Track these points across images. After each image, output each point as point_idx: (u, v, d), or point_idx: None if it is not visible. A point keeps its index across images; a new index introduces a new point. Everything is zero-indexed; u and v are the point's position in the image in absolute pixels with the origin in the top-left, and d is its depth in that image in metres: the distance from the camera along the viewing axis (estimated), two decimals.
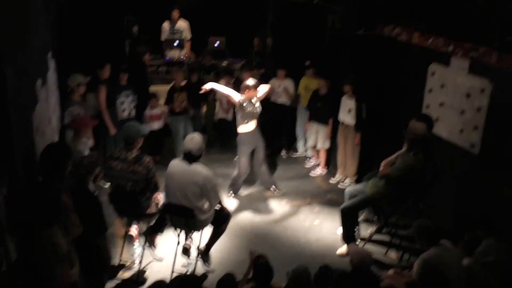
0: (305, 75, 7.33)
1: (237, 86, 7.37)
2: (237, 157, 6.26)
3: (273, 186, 6.54)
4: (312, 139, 7.22)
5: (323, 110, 6.86)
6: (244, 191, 6.56)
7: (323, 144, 7.05)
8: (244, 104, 5.91)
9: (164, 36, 8.67)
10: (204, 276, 4.72)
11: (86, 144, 4.96)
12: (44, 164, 3.42)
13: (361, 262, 3.67)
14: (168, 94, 7.15)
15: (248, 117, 6.00)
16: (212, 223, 4.70)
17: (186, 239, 4.95)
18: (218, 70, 8.13)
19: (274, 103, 7.59)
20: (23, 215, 2.91)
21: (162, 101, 7.43)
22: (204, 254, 4.81)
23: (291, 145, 7.99)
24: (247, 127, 6.04)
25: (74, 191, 3.76)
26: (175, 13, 8.55)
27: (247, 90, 5.92)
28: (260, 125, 7.80)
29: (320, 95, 6.87)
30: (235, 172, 6.25)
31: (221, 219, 4.74)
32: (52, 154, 3.44)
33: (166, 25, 8.65)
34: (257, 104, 6.04)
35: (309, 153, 7.64)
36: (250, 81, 5.98)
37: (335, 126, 6.81)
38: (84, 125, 4.72)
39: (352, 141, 6.52)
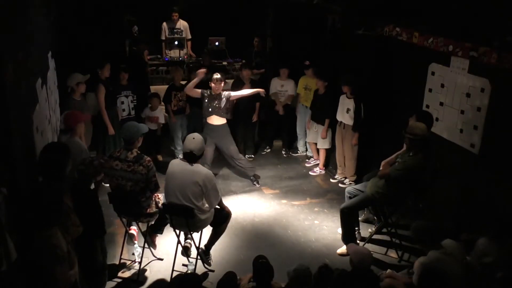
0: (304, 75, 7.34)
1: (237, 85, 7.40)
2: None
3: (252, 177, 6.73)
4: (311, 137, 7.24)
5: (321, 110, 6.88)
6: (244, 191, 6.57)
7: (322, 144, 7.07)
8: (205, 95, 6.10)
9: (164, 36, 8.68)
10: (205, 275, 4.73)
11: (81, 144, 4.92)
12: (43, 164, 3.41)
13: (361, 261, 3.67)
14: (167, 92, 7.15)
15: (207, 111, 6.20)
16: (212, 223, 4.70)
17: (186, 238, 4.96)
18: (216, 70, 8.14)
19: (275, 102, 7.60)
20: (24, 215, 2.91)
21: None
22: (204, 254, 4.81)
23: (292, 145, 7.99)
24: (209, 120, 6.24)
25: (75, 190, 3.76)
26: (175, 15, 8.57)
27: (211, 82, 6.12)
28: (260, 124, 7.85)
29: (319, 95, 6.89)
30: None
31: (221, 219, 4.74)
32: (51, 153, 3.43)
33: (166, 25, 8.66)
34: (223, 101, 6.15)
35: (310, 152, 7.65)
36: (215, 74, 6.13)
37: (334, 126, 6.82)
38: (76, 120, 4.68)
39: (349, 141, 6.53)
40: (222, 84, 6.17)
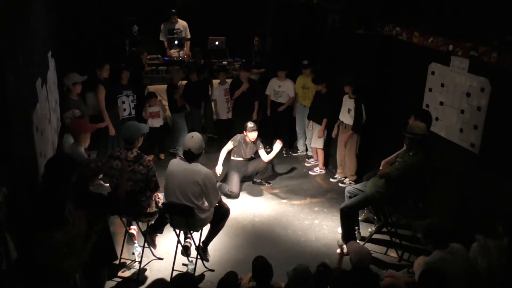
0: (302, 74, 7.34)
1: (236, 85, 7.40)
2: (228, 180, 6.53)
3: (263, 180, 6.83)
4: (309, 137, 7.25)
5: (320, 109, 6.88)
6: (244, 191, 6.57)
7: (315, 142, 7.07)
8: (236, 144, 6.45)
9: (163, 36, 8.68)
10: (203, 274, 4.73)
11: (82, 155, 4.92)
12: (50, 175, 3.38)
13: (360, 260, 3.67)
14: (170, 93, 7.16)
15: (237, 154, 6.54)
16: (211, 220, 4.70)
17: (186, 238, 4.96)
18: (212, 69, 8.16)
19: (275, 102, 7.60)
20: (25, 217, 2.92)
21: (161, 100, 7.46)
22: (202, 249, 4.80)
23: (292, 144, 8.00)
24: (237, 158, 6.57)
25: (77, 192, 3.75)
26: (174, 18, 8.56)
27: (245, 130, 6.39)
28: (261, 124, 7.86)
29: (320, 94, 6.89)
30: (227, 188, 6.34)
31: (220, 216, 4.74)
32: (58, 167, 3.40)
33: (165, 25, 8.65)
34: (250, 150, 6.51)
35: (310, 151, 7.64)
36: (249, 123, 6.41)
37: (332, 126, 6.81)
38: (83, 129, 4.68)
39: (350, 140, 6.53)
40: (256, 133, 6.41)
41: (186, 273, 4.58)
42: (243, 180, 6.67)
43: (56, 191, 3.21)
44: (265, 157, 6.48)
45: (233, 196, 6.27)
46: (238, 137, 6.50)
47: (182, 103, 7.18)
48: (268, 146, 8.04)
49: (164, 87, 7.53)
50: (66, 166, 3.37)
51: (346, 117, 6.48)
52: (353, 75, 6.34)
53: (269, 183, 6.79)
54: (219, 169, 6.28)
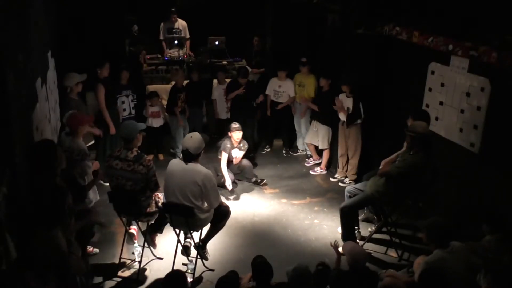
0: (299, 72, 7.34)
1: (234, 86, 7.39)
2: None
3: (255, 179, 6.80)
4: (310, 137, 7.23)
5: (325, 109, 6.86)
6: (244, 190, 6.57)
7: (322, 143, 7.06)
8: (228, 152, 6.42)
9: (162, 35, 8.68)
10: (203, 274, 4.73)
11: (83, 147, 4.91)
12: (34, 163, 3.38)
13: (354, 261, 3.67)
14: (171, 95, 7.15)
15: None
16: (212, 219, 4.69)
17: (185, 238, 4.96)
18: (215, 69, 8.16)
19: (275, 102, 7.60)
20: (25, 215, 2.92)
21: (162, 100, 7.46)
22: (200, 248, 4.79)
23: (292, 144, 8.00)
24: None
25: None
26: (173, 16, 8.57)
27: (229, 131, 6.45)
28: (260, 123, 7.87)
29: (323, 92, 6.89)
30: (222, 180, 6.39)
31: (220, 216, 4.73)
32: (38, 153, 3.41)
33: (163, 25, 8.65)
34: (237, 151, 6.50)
35: (309, 151, 7.64)
36: (233, 124, 6.43)
37: (335, 126, 6.81)
38: (81, 122, 4.69)
39: (352, 139, 6.53)
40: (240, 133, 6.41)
41: (176, 270, 4.57)
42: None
43: (45, 177, 3.21)
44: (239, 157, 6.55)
45: (230, 195, 6.28)
46: (226, 144, 6.38)
47: (182, 107, 7.17)
48: (268, 146, 8.06)
49: (163, 86, 7.52)
50: (43, 148, 3.38)
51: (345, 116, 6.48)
52: (350, 74, 6.33)
53: (262, 181, 6.75)
54: (228, 184, 6.27)
